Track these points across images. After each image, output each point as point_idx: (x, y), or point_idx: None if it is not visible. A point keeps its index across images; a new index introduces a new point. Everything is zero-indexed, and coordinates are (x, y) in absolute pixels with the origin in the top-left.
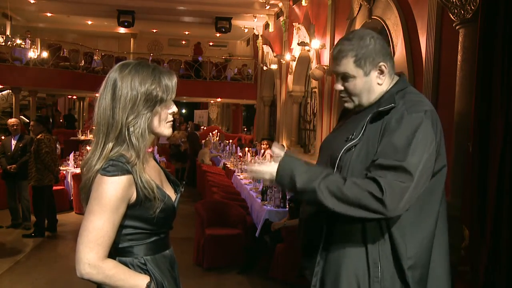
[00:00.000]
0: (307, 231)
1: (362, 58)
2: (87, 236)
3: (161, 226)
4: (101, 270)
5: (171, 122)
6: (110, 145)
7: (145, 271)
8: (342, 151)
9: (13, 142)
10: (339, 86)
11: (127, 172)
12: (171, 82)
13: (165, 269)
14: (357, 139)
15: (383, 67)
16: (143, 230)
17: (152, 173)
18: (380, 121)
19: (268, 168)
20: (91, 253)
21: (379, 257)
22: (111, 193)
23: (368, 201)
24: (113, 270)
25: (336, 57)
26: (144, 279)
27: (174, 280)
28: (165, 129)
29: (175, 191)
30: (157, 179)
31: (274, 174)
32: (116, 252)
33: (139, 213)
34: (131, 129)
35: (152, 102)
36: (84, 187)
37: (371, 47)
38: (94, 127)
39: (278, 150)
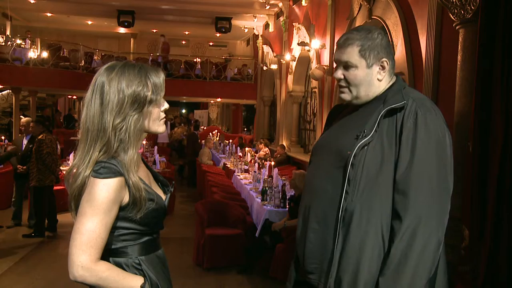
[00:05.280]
0: (316, 238)
1: (367, 50)
2: (80, 239)
3: (153, 226)
4: (94, 272)
5: (164, 119)
6: (97, 153)
7: (140, 271)
8: (356, 148)
9: (24, 142)
10: (339, 74)
11: (119, 174)
12: (159, 79)
13: (159, 269)
14: (370, 136)
15: (385, 63)
16: (135, 231)
17: (141, 174)
18: (392, 118)
19: None
20: (84, 255)
21: None
22: (104, 195)
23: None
24: (106, 272)
25: (341, 45)
26: (138, 281)
27: (168, 280)
28: (159, 127)
29: (164, 192)
30: (146, 180)
31: None
32: (109, 253)
33: (131, 214)
34: (118, 132)
35: (141, 104)
36: (75, 196)
37: (378, 41)
38: (80, 133)
39: None
